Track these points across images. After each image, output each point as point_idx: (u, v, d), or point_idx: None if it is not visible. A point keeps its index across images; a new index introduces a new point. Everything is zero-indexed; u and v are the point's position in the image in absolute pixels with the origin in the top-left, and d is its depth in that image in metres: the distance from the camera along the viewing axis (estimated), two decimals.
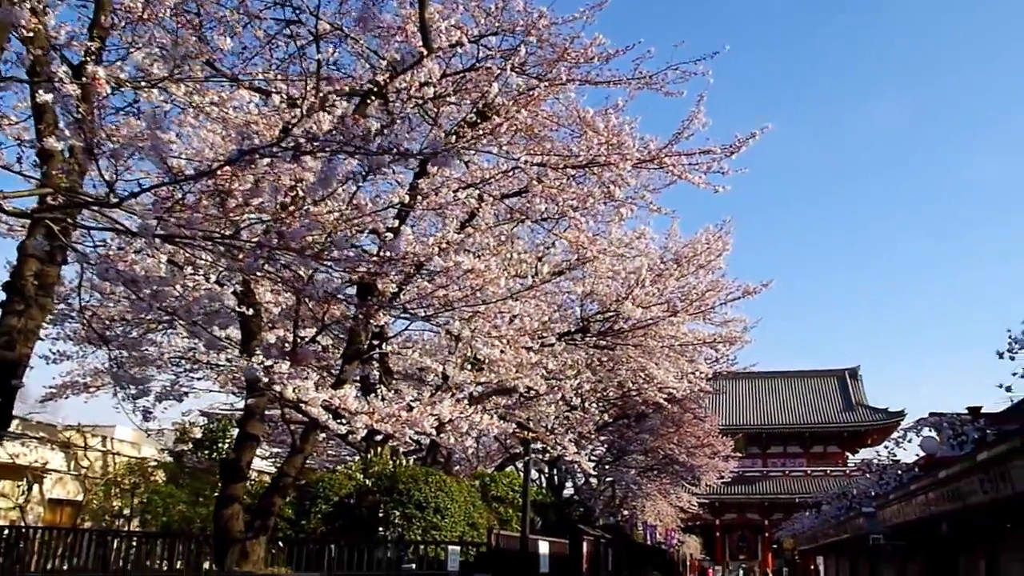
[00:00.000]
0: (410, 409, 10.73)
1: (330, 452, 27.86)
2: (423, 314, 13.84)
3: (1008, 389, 12.54)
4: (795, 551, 55.89)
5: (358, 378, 14.17)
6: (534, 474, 36.50)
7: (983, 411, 14.39)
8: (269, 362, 9.56)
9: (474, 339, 12.10)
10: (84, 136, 6.50)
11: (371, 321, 14.03)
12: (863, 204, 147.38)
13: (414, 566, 15.19)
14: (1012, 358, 11.50)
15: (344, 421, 10.70)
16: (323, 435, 27.65)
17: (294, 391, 10.10)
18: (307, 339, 13.99)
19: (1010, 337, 11.16)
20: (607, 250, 16.19)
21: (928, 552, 18.80)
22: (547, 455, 21.47)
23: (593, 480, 40.06)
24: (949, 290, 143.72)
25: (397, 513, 16.88)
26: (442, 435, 11.56)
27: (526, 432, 16.04)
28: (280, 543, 16.53)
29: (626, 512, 42.56)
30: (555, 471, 33.90)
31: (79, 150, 7.08)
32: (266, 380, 9.76)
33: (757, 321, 20.94)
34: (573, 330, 19.48)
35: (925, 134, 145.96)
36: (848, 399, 71.27)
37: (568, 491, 38.44)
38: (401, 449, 27.64)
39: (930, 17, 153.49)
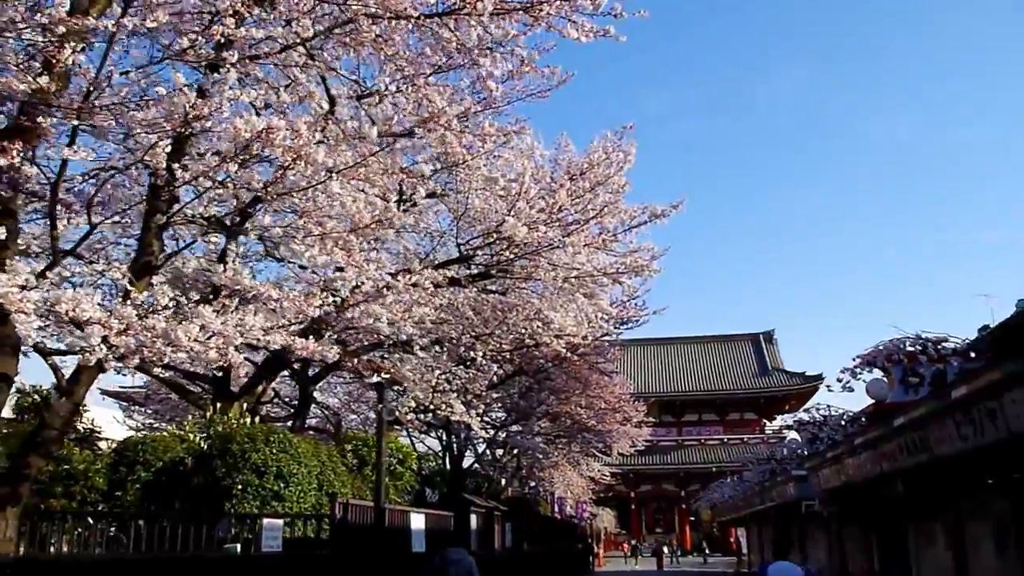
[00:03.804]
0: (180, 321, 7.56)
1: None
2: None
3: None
4: (714, 522, 54.26)
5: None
6: (429, 443, 33.60)
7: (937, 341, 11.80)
8: None
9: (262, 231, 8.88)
10: None
11: (169, 226, 10.88)
12: (772, 170, 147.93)
13: (239, 547, 11.93)
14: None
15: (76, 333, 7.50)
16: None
17: None
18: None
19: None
20: (480, 149, 13.12)
21: (870, 519, 16.31)
22: (410, 405, 18.40)
23: (499, 451, 37.29)
24: (861, 251, 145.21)
25: (229, 481, 13.65)
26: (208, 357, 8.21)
27: (377, 373, 12.93)
28: (89, 519, 13.27)
29: (533, 484, 39.85)
30: (452, 439, 30.89)
31: None
32: None
33: (665, 250, 18.15)
34: (452, 259, 16.44)
35: (830, 100, 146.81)
36: (764, 364, 69.96)
37: (471, 463, 35.60)
38: (262, 412, 24.43)
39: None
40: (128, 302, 7.78)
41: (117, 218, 13.40)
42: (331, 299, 9.14)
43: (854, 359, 12.13)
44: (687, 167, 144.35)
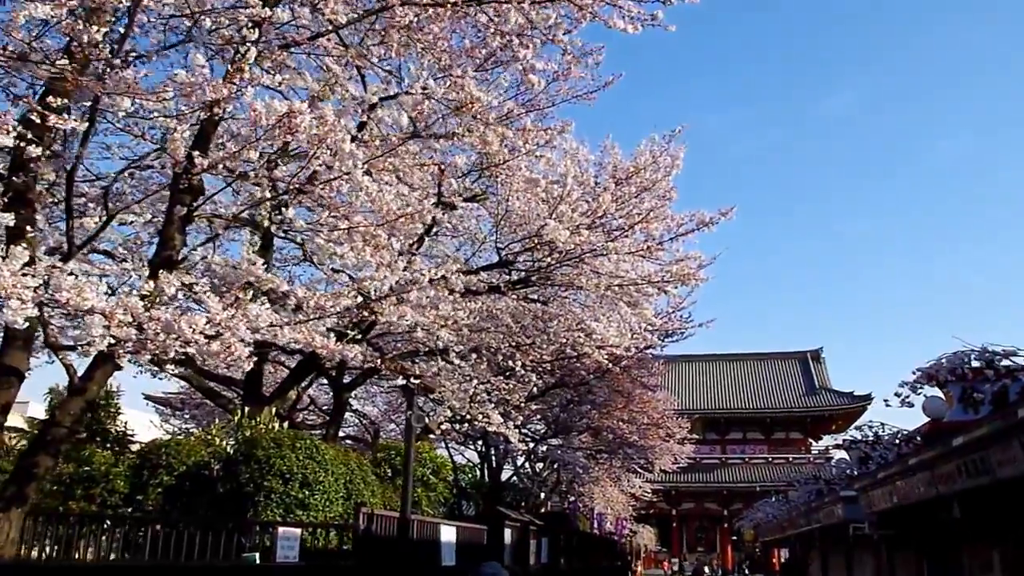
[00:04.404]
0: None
1: None
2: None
3: None
4: (756, 543, 52.87)
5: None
6: (468, 455, 32.95)
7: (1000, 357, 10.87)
8: None
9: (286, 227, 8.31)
10: None
11: (190, 222, 10.42)
12: (821, 187, 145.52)
13: (257, 556, 11.38)
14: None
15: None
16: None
17: None
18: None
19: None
20: (521, 148, 12.51)
21: (923, 544, 15.30)
22: (446, 415, 17.80)
23: (539, 464, 36.56)
24: (912, 272, 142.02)
25: (253, 487, 13.15)
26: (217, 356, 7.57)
27: (404, 375, 12.34)
28: (108, 523, 12.88)
29: (572, 499, 38.98)
30: (490, 451, 30.22)
31: None
32: None
33: (714, 258, 17.28)
34: (491, 264, 15.82)
35: (885, 118, 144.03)
36: (811, 382, 68.25)
37: (509, 476, 34.92)
38: (298, 419, 24.01)
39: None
40: (135, 293, 7.26)
41: (149, 216, 13.07)
42: (357, 297, 8.52)
43: (915, 372, 11.23)
44: (737, 185, 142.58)
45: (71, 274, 7.18)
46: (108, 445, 18.08)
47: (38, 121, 8.58)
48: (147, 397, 33.91)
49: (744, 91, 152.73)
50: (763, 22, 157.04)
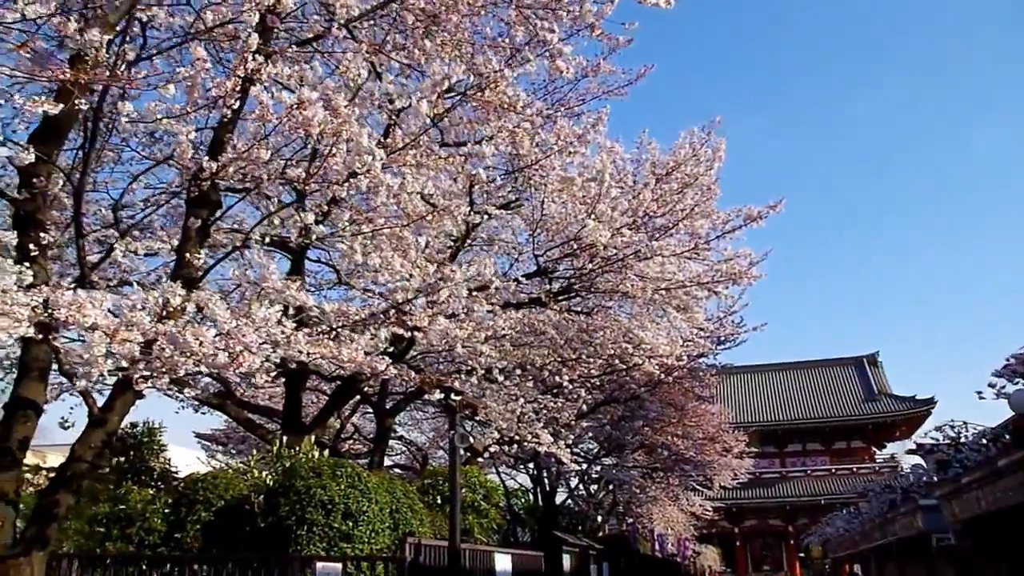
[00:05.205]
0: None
1: None
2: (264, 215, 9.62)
3: None
4: (825, 559, 51.16)
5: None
6: (520, 479, 32.10)
7: None
8: None
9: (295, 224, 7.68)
10: None
11: (208, 237, 9.86)
12: (863, 189, 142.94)
13: None
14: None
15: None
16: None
17: None
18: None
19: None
20: (553, 146, 11.81)
21: (1018, 553, 14.15)
22: (493, 436, 17.13)
23: (593, 486, 35.62)
24: (967, 271, 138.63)
25: (294, 520, 12.48)
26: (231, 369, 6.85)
27: (446, 396, 11.64)
28: (144, 564, 12.31)
29: (631, 520, 37.88)
30: (542, 473, 29.36)
31: None
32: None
33: (765, 255, 16.35)
34: (531, 273, 15.10)
35: (925, 116, 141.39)
36: (869, 388, 66.27)
37: (564, 499, 33.98)
38: (343, 448, 23.40)
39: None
40: (140, 308, 6.66)
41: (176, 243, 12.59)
42: (381, 304, 7.86)
43: (1008, 360, 10.28)
44: (777, 189, 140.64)
45: (71, 289, 6.60)
46: (152, 482, 17.66)
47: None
48: (197, 435, 33.91)
49: (775, 94, 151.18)
50: (780, 26, 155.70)
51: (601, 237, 12.99)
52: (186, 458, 25.23)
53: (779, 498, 64.69)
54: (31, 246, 8.12)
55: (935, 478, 16.27)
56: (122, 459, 18.04)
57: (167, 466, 19.53)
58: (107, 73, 7.21)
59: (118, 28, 7.76)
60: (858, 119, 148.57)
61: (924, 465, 17.83)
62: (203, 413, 22.90)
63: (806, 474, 66.21)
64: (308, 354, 7.37)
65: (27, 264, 7.53)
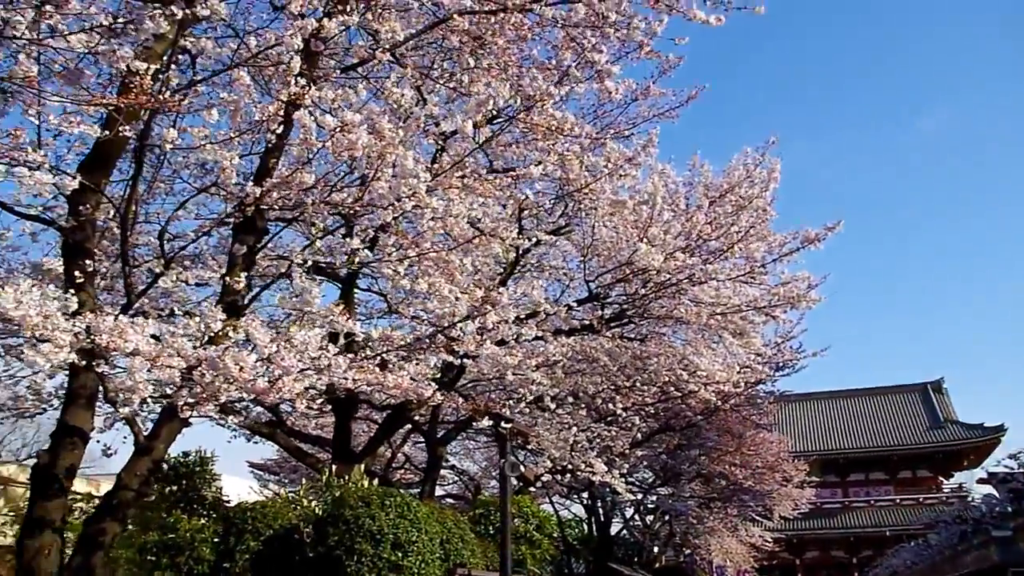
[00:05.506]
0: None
1: None
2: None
3: None
4: None
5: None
6: (574, 509, 31.67)
7: None
8: None
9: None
10: None
11: (253, 264, 9.81)
12: (926, 211, 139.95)
13: None
14: None
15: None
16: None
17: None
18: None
19: None
20: (604, 171, 11.59)
21: None
22: (546, 466, 16.84)
23: (649, 516, 35.00)
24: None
25: (343, 550, 12.31)
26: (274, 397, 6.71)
27: (496, 424, 11.41)
28: None
29: (688, 551, 37.09)
30: (597, 503, 28.88)
31: None
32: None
33: (824, 278, 15.83)
34: (582, 299, 14.84)
35: (977, 140, 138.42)
36: (935, 415, 64.33)
37: (619, 529, 33.42)
38: (394, 478, 23.25)
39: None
40: (183, 334, 6.58)
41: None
42: (428, 330, 7.69)
43: None
44: (834, 214, 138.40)
45: (114, 316, 6.53)
46: (203, 511, 17.64)
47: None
48: (250, 464, 34.29)
49: (830, 115, 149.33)
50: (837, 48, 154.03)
51: (654, 261, 12.72)
52: (239, 487, 25.33)
53: (842, 529, 62.92)
54: (77, 273, 8.14)
55: (1009, 508, 15.62)
56: (174, 488, 18.08)
57: (219, 495, 19.51)
58: (150, 99, 7.19)
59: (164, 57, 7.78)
60: (925, 137, 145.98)
61: (997, 494, 17.17)
62: (255, 443, 23.05)
63: (869, 504, 64.39)
64: (353, 380, 7.23)
65: (72, 292, 7.51)
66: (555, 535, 22.02)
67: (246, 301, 9.56)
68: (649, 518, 34.80)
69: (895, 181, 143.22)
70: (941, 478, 64.60)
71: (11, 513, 20.38)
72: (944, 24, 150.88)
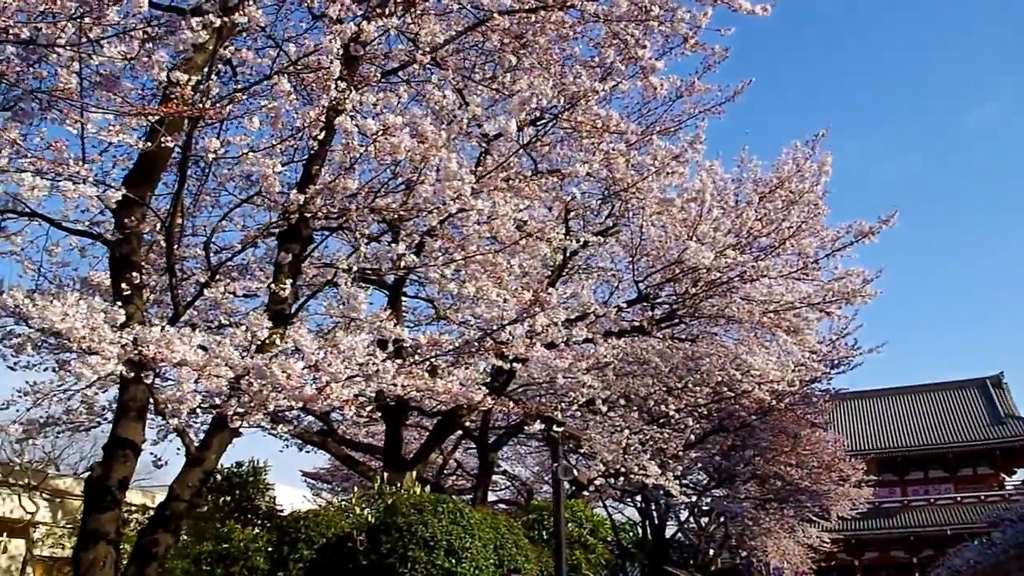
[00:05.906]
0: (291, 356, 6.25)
1: None
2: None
3: None
4: None
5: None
6: (627, 512, 31.40)
7: None
8: None
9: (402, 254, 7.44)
10: None
11: (299, 272, 9.77)
12: (983, 203, 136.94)
13: None
14: None
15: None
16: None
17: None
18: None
19: None
20: (651, 169, 11.37)
21: None
22: (599, 469, 16.64)
23: (704, 519, 34.58)
24: None
25: (396, 558, 12.25)
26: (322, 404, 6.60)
27: (548, 427, 11.25)
28: None
29: (744, 553, 36.57)
30: (651, 506, 28.57)
31: None
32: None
33: (879, 272, 15.42)
34: (632, 300, 14.62)
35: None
36: (995, 411, 62.66)
37: (674, 532, 33.05)
38: (447, 484, 23.18)
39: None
40: (230, 343, 6.52)
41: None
42: (476, 334, 7.57)
43: None
44: (885, 208, 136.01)
45: (160, 327, 6.48)
46: (257, 521, 17.74)
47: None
48: (304, 473, 34.57)
49: (882, 110, 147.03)
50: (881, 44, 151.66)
51: (704, 259, 12.47)
52: (292, 497, 25.52)
53: (901, 529, 61.60)
54: (124, 286, 8.15)
55: None
56: (228, 498, 18.23)
57: (272, 504, 19.62)
58: (191, 109, 7.16)
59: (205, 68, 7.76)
60: (981, 127, 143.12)
61: None
62: (307, 452, 23.15)
63: (929, 503, 62.97)
64: (402, 386, 7.13)
65: (120, 304, 7.51)
66: (609, 539, 21.80)
67: (293, 309, 9.50)
68: (704, 520, 34.39)
69: (946, 173, 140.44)
70: (1003, 475, 62.92)
71: (69, 526, 20.66)
72: (989, 22, 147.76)
